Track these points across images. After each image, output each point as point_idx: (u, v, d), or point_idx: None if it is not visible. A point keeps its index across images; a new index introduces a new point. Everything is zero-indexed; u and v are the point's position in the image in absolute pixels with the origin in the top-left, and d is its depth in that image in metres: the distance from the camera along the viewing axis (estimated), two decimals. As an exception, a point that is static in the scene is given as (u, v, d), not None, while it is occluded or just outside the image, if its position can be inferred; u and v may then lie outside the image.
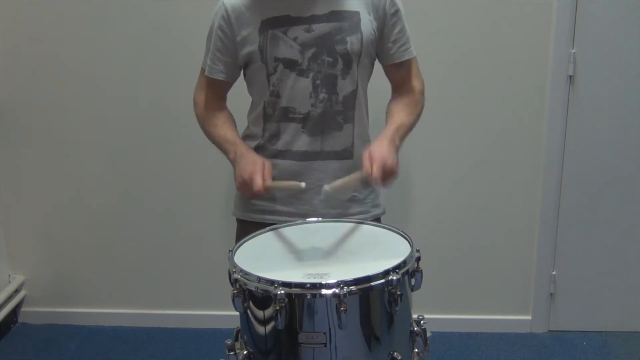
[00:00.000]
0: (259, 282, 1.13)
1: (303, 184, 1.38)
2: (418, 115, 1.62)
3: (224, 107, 1.67)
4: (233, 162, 1.52)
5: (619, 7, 2.38)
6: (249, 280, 1.15)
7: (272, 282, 1.11)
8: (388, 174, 1.40)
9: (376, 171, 1.36)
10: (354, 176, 1.42)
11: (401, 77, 1.63)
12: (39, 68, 2.59)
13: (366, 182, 1.46)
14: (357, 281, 1.10)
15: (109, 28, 2.52)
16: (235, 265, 1.20)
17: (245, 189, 1.44)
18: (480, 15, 2.41)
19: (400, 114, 1.57)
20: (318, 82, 1.52)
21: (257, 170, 1.41)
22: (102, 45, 2.54)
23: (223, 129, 1.60)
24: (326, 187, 1.39)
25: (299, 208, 1.58)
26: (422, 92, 1.65)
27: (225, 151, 1.57)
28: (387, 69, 1.63)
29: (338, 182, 1.40)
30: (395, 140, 1.48)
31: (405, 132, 1.55)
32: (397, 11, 1.56)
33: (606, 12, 2.39)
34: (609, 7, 2.38)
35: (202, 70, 1.64)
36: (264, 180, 1.40)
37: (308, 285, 1.11)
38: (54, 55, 2.57)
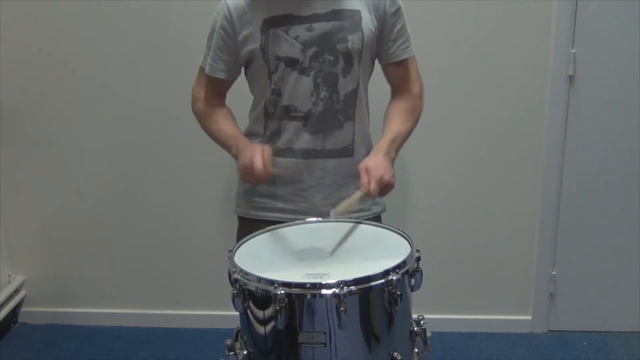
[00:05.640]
0: (259, 282, 1.13)
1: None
2: (416, 121, 1.63)
3: (224, 105, 1.67)
4: (236, 157, 1.52)
5: (619, 7, 2.38)
6: (249, 280, 1.15)
7: (272, 282, 1.11)
8: (384, 188, 1.43)
9: (374, 187, 1.39)
10: (355, 196, 1.43)
11: (400, 77, 1.63)
12: (39, 68, 2.59)
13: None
14: (357, 281, 1.10)
15: (109, 28, 2.52)
16: (235, 265, 1.19)
17: (247, 174, 1.45)
18: (480, 15, 2.41)
19: (397, 122, 1.58)
20: (319, 80, 1.52)
21: (257, 154, 1.41)
22: (103, 45, 2.54)
23: (225, 125, 1.61)
24: (332, 213, 1.40)
25: (299, 205, 1.59)
26: (421, 96, 1.65)
27: (227, 146, 1.57)
28: (386, 68, 1.63)
29: (342, 207, 1.41)
30: (390, 153, 1.50)
31: (401, 142, 1.57)
32: (397, 10, 1.56)
33: (606, 12, 2.38)
34: (609, 7, 2.38)
35: (201, 68, 1.64)
36: (264, 162, 1.41)
37: (308, 285, 1.11)
38: (54, 56, 2.57)
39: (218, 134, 1.60)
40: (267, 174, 1.42)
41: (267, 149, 1.45)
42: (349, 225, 1.43)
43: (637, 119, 2.48)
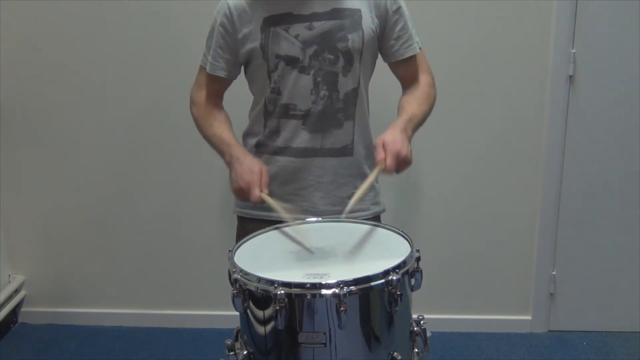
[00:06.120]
0: (259, 282, 1.13)
1: (288, 218, 1.37)
2: (430, 107, 1.61)
3: (221, 107, 1.67)
4: (228, 165, 1.52)
5: (619, 7, 2.38)
6: (249, 280, 1.15)
7: (272, 282, 1.11)
8: (402, 164, 1.40)
9: (390, 161, 1.36)
10: (372, 175, 1.42)
11: (409, 74, 1.63)
12: (39, 68, 2.59)
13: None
14: (357, 281, 1.10)
15: (109, 28, 2.52)
16: (235, 265, 1.19)
17: (241, 195, 1.45)
18: (481, 15, 2.41)
19: (412, 105, 1.57)
20: (319, 79, 1.52)
21: (255, 180, 1.41)
22: (102, 45, 2.54)
23: (220, 129, 1.60)
24: (343, 216, 1.39)
25: (298, 205, 1.59)
26: (432, 85, 1.64)
27: (220, 152, 1.57)
28: (393, 66, 1.63)
29: (352, 203, 1.39)
30: (407, 130, 1.48)
31: (417, 122, 1.54)
32: (398, 8, 1.56)
33: (606, 12, 2.39)
34: (609, 7, 2.38)
35: (201, 68, 1.64)
36: (261, 190, 1.41)
37: (308, 285, 1.11)
38: (54, 55, 2.57)
39: (212, 139, 1.60)
40: (261, 201, 1.41)
41: (265, 174, 1.44)
42: (349, 225, 1.43)
43: (637, 119, 2.48)
